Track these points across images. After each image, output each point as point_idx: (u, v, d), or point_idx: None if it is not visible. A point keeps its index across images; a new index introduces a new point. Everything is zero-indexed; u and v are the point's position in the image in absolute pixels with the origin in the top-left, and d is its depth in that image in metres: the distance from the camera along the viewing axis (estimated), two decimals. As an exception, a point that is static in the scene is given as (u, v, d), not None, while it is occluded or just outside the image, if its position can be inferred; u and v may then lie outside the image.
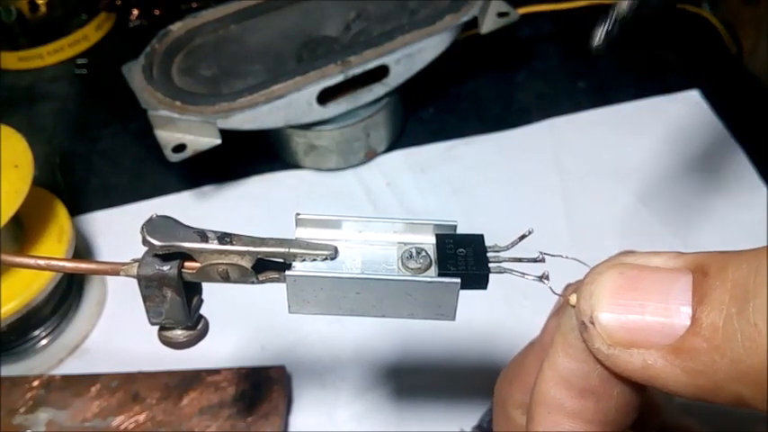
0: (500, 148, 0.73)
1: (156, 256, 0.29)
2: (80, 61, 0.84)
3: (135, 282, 0.30)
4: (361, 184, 0.70)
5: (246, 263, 0.29)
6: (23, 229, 0.57)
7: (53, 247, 0.57)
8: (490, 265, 0.29)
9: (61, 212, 0.59)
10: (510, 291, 0.56)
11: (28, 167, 0.53)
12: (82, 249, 0.65)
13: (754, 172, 0.68)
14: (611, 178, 0.67)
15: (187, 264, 0.29)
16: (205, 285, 0.31)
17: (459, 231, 0.30)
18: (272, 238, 0.29)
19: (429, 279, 0.28)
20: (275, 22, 0.73)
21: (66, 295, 0.60)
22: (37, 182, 0.54)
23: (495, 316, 0.57)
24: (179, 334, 0.31)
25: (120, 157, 0.75)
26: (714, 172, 0.68)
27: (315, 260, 0.29)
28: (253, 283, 0.30)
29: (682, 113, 0.73)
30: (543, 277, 0.28)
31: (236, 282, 0.29)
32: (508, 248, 0.30)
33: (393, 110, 0.71)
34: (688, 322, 0.22)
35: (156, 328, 0.31)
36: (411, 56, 0.67)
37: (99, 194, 0.72)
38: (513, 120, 0.75)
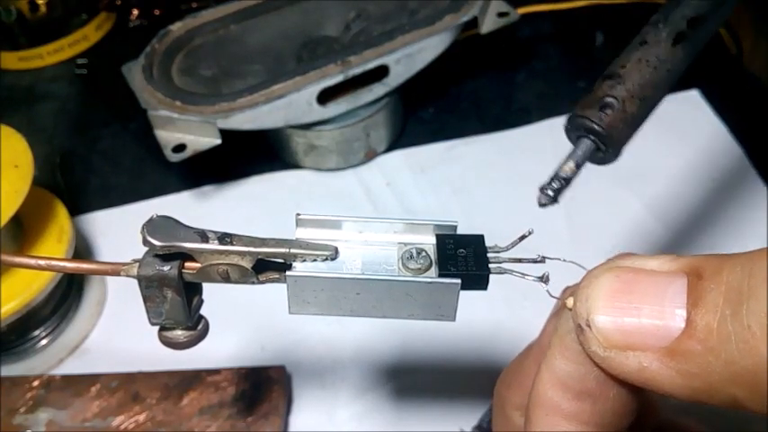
0: (500, 148, 0.73)
1: (157, 256, 0.29)
2: (80, 61, 0.84)
3: (135, 282, 0.30)
4: (361, 184, 0.70)
5: (247, 263, 0.29)
6: (23, 229, 0.57)
7: (53, 247, 0.57)
8: (490, 265, 0.29)
9: (61, 212, 0.59)
10: (510, 291, 0.56)
11: (28, 167, 0.53)
12: (82, 249, 0.65)
13: (755, 172, 0.68)
14: (610, 179, 0.67)
15: (187, 264, 0.29)
16: (205, 286, 0.31)
17: (459, 232, 0.30)
18: (272, 239, 0.29)
19: (429, 280, 0.28)
20: (275, 22, 0.73)
21: (66, 295, 0.60)
22: (37, 182, 0.54)
23: (495, 316, 0.57)
24: (179, 334, 0.31)
25: (120, 157, 0.75)
26: (714, 172, 0.68)
27: (315, 260, 0.29)
28: (253, 283, 0.30)
29: (682, 113, 0.72)
30: (543, 278, 0.28)
31: (236, 282, 0.30)
32: (508, 249, 0.30)
33: (393, 110, 0.71)
34: (683, 325, 0.22)
35: (157, 328, 0.31)
36: (411, 56, 0.67)
37: (99, 194, 0.72)
38: (513, 120, 0.75)
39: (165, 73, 0.68)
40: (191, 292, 0.30)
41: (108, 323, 0.62)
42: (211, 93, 0.66)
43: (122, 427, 0.51)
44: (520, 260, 0.29)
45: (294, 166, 0.72)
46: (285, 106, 0.64)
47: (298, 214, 0.30)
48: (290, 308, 0.29)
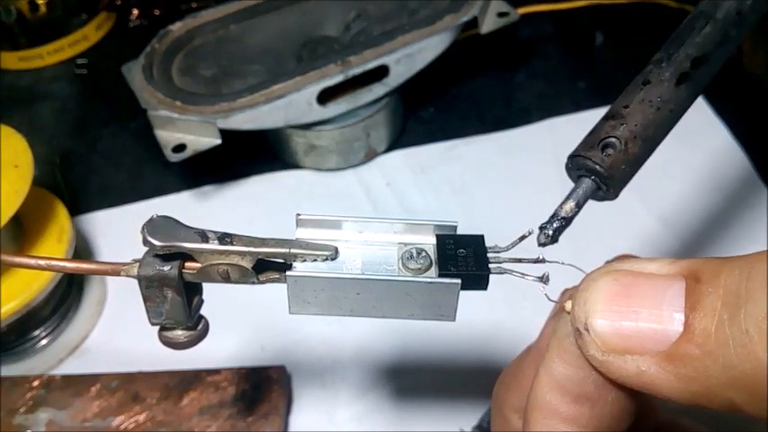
0: (500, 148, 0.73)
1: (157, 256, 0.29)
2: (80, 61, 0.84)
3: (135, 282, 0.30)
4: (361, 184, 0.70)
5: (247, 263, 0.29)
6: (23, 229, 0.57)
7: (53, 247, 0.57)
8: (490, 265, 0.29)
9: (61, 212, 0.59)
10: (510, 291, 0.56)
11: (28, 167, 0.53)
12: (82, 249, 0.65)
13: (755, 172, 0.68)
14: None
15: (188, 264, 0.29)
16: (205, 286, 0.31)
17: (459, 232, 0.30)
18: (272, 239, 0.29)
19: (429, 280, 0.28)
20: (275, 22, 0.73)
21: (66, 295, 0.60)
22: (37, 182, 0.54)
23: (494, 317, 0.57)
24: (179, 334, 0.31)
25: (120, 157, 0.75)
26: (714, 172, 0.68)
27: (315, 260, 0.29)
28: (253, 283, 0.30)
29: (681, 113, 0.72)
30: (543, 279, 0.28)
31: (236, 282, 0.30)
32: (508, 249, 0.30)
33: (393, 110, 0.71)
34: (681, 329, 0.22)
35: (157, 328, 0.31)
36: (411, 56, 0.67)
37: (99, 194, 0.72)
38: (513, 120, 0.75)
39: (165, 73, 0.68)
40: (191, 292, 0.30)
41: (108, 323, 0.62)
42: (211, 93, 0.66)
43: (122, 427, 0.51)
44: (520, 260, 0.29)
45: (294, 166, 0.72)
46: (285, 106, 0.64)
47: (298, 214, 0.30)
48: (290, 308, 0.30)
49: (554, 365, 0.26)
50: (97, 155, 0.76)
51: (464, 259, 0.29)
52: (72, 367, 0.58)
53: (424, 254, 0.29)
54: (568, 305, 0.25)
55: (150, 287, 0.29)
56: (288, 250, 0.29)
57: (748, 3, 0.31)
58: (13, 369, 0.58)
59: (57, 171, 0.72)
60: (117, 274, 0.30)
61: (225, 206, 0.70)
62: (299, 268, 0.29)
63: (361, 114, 0.69)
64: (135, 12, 0.88)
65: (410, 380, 0.57)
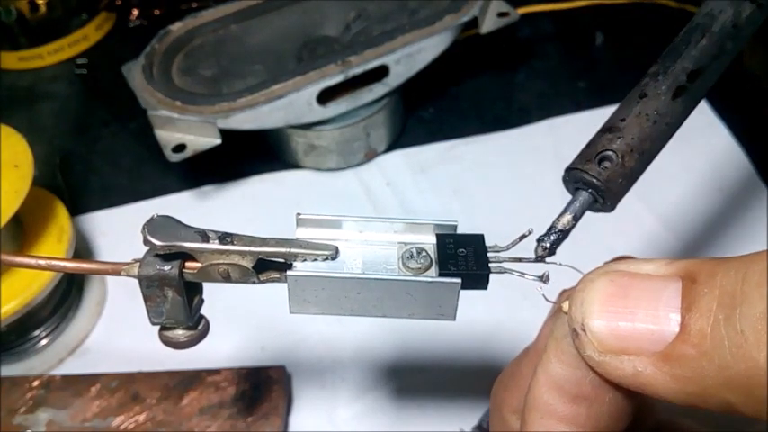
0: (500, 148, 0.73)
1: (157, 255, 0.29)
2: (80, 61, 0.84)
3: (135, 282, 0.30)
4: (361, 184, 0.70)
5: (247, 263, 0.29)
6: (23, 229, 0.57)
7: (53, 247, 0.57)
8: (490, 265, 0.29)
9: (61, 212, 0.59)
10: (510, 291, 0.56)
11: (28, 167, 0.53)
12: (82, 249, 0.65)
13: (754, 172, 0.68)
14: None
15: (188, 264, 0.29)
16: (205, 286, 0.31)
17: (459, 231, 0.30)
18: (272, 238, 0.29)
19: (430, 279, 0.29)
20: (275, 22, 0.73)
21: (67, 295, 0.60)
22: (37, 182, 0.54)
23: (495, 317, 0.57)
24: (180, 334, 0.31)
25: (120, 157, 0.75)
26: (714, 172, 0.68)
27: (316, 260, 0.29)
28: (254, 283, 0.30)
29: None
30: (543, 278, 0.28)
31: (237, 282, 0.30)
32: (508, 248, 0.30)
33: (393, 110, 0.71)
34: (677, 329, 0.22)
35: (157, 328, 0.31)
36: (411, 56, 0.67)
37: (99, 194, 0.72)
38: (513, 120, 0.75)
39: (165, 73, 0.68)
40: (191, 291, 0.30)
41: (108, 323, 0.62)
42: (211, 93, 0.66)
43: (122, 427, 0.51)
44: (520, 260, 0.29)
45: (294, 166, 0.72)
46: (285, 106, 0.64)
47: (298, 214, 0.30)
48: (290, 307, 0.30)
49: (551, 366, 0.26)
50: (97, 155, 0.76)
51: (464, 259, 0.29)
52: (72, 367, 0.58)
53: (424, 253, 0.29)
54: (566, 306, 0.25)
55: (151, 287, 0.29)
56: (288, 250, 0.29)
57: (744, 16, 0.31)
58: (13, 369, 0.58)
59: (57, 171, 0.72)
60: (117, 273, 0.30)
61: (225, 206, 0.70)
62: (300, 268, 0.29)
63: (361, 114, 0.69)
64: (135, 12, 0.88)
65: (410, 380, 0.57)
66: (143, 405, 0.52)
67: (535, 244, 0.29)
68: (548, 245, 0.28)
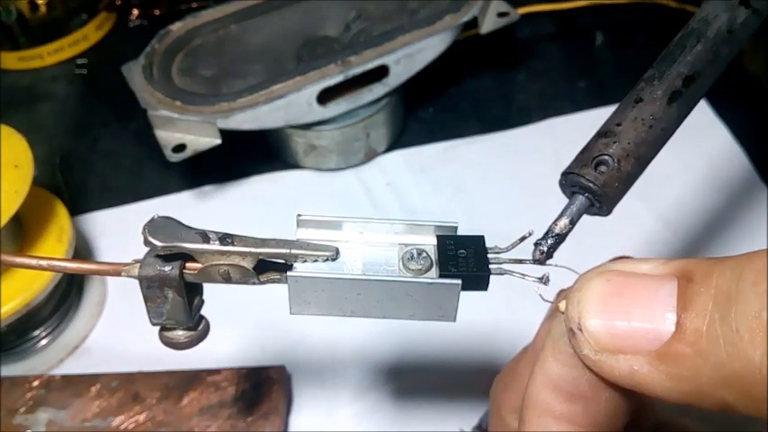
0: (500, 148, 0.73)
1: (158, 256, 0.29)
2: (80, 61, 0.84)
3: (135, 282, 0.30)
4: (362, 184, 0.70)
5: (248, 264, 0.29)
6: (23, 229, 0.57)
7: (53, 247, 0.57)
8: (491, 266, 0.29)
9: (61, 212, 0.59)
10: (510, 292, 0.56)
11: (28, 167, 0.53)
12: (82, 249, 0.65)
13: (754, 172, 0.68)
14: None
15: (188, 264, 0.29)
16: (206, 286, 0.31)
17: (459, 232, 0.30)
18: (273, 239, 0.29)
19: (430, 280, 0.29)
20: (275, 22, 0.73)
21: (67, 295, 0.60)
22: (37, 182, 0.54)
23: (495, 317, 0.57)
24: (180, 334, 0.31)
25: (120, 157, 0.75)
26: (714, 172, 0.68)
27: (316, 261, 0.29)
28: (254, 284, 0.30)
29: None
30: (543, 279, 0.29)
31: (237, 282, 0.30)
32: (508, 250, 0.30)
33: (393, 110, 0.71)
34: (673, 328, 0.22)
35: (157, 328, 0.31)
36: (411, 56, 0.67)
37: (99, 194, 0.71)
38: (513, 120, 0.75)
39: (165, 73, 0.67)
40: (191, 292, 0.30)
41: (108, 323, 0.62)
42: (211, 93, 0.66)
43: (122, 427, 0.51)
44: (520, 261, 0.29)
45: (294, 166, 0.72)
46: (285, 106, 0.64)
47: (298, 215, 0.30)
48: (291, 308, 0.30)
49: (549, 365, 0.26)
50: (97, 155, 0.76)
51: (465, 260, 0.29)
52: (72, 367, 0.58)
53: (424, 254, 0.29)
54: (563, 305, 0.25)
55: (151, 287, 0.29)
56: (289, 251, 0.29)
57: (739, 21, 0.32)
58: (13, 369, 0.58)
59: (57, 171, 0.72)
60: (118, 274, 0.30)
61: (225, 206, 0.70)
62: (300, 269, 0.29)
63: (361, 114, 0.69)
64: (135, 12, 0.88)
65: (410, 380, 0.57)
66: (143, 405, 0.52)
67: (532, 248, 0.29)
68: (545, 249, 0.29)
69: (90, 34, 0.86)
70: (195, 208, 0.70)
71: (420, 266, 0.29)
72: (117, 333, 0.61)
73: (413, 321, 0.30)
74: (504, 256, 0.30)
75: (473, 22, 0.69)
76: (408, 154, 0.73)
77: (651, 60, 0.32)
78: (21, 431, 0.52)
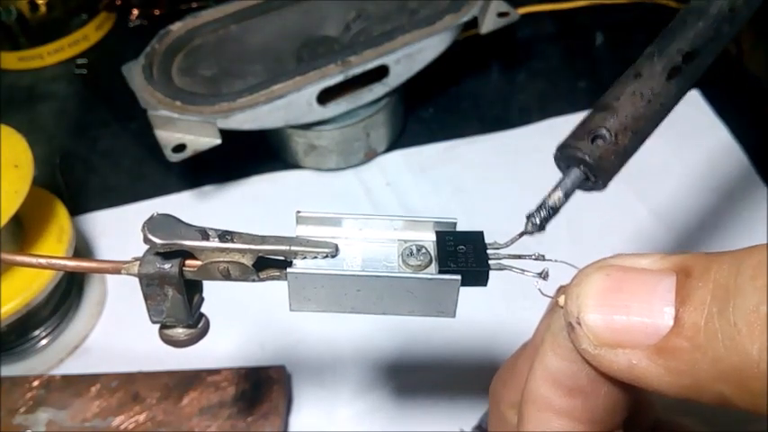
0: (500, 148, 0.73)
1: (158, 254, 0.29)
2: (80, 61, 0.84)
3: (135, 282, 0.30)
4: (361, 184, 0.71)
5: (247, 260, 0.29)
6: (23, 229, 0.57)
7: (53, 247, 0.57)
8: (490, 261, 0.29)
9: (61, 212, 0.59)
10: (510, 291, 0.56)
11: (28, 167, 0.53)
12: (82, 249, 0.65)
13: (754, 172, 0.68)
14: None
15: (188, 262, 0.29)
16: (205, 286, 0.31)
17: (458, 229, 0.30)
18: (272, 236, 0.29)
19: (430, 276, 0.29)
20: (275, 22, 0.73)
21: (67, 295, 0.60)
22: (37, 182, 0.54)
23: (494, 316, 0.57)
24: (180, 332, 0.31)
25: (120, 157, 0.75)
26: (714, 172, 0.68)
27: (315, 258, 0.29)
28: (254, 281, 0.30)
29: (682, 113, 0.72)
30: (542, 275, 0.28)
31: (237, 280, 0.29)
32: (508, 245, 0.30)
33: (393, 110, 0.71)
34: (671, 322, 0.22)
35: (156, 327, 0.31)
36: (411, 56, 0.67)
37: (99, 194, 0.72)
38: (513, 120, 0.75)
39: (165, 73, 0.68)
40: (191, 289, 0.30)
41: (108, 323, 0.62)
42: (211, 93, 0.66)
43: (122, 427, 0.51)
44: (520, 256, 0.29)
45: (294, 166, 0.72)
46: (285, 106, 0.64)
47: (298, 212, 0.30)
48: (290, 305, 0.29)
49: (548, 359, 0.26)
50: (97, 155, 0.76)
51: (464, 255, 0.29)
52: (72, 367, 0.58)
53: (424, 250, 0.29)
54: (562, 300, 0.25)
55: (151, 285, 0.29)
56: (288, 247, 0.29)
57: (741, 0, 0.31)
58: (13, 369, 0.58)
59: (57, 171, 0.72)
60: (117, 272, 0.30)
61: (225, 206, 0.70)
62: (300, 265, 0.29)
63: (361, 114, 0.69)
64: (135, 12, 0.88)
65: (410, 379, 0.57)
66: (143, 405, 0.52)
67: (525, 220, 0.29)
68: (537, 221, 0.28)
69: (90, 34, 0.86)
70: (195, 208, 0.70)
71: (419, 262, 0.29)
72: (117, 333, 0.61)
73: (413, 319, 0.30)
74: (503, 251, 0.29)
75: (473, 22, 0.69)
76: (408, 154, 0.73)
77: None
78: (21, 431, 0.52)
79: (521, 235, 0.29)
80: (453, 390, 0.55)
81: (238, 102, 0.63)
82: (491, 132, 0.74)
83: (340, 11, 0.73)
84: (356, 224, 0.30)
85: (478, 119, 0.76)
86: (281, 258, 0.29)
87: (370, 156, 0.72)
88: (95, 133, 0.78)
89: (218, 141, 0.63)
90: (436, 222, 0.30)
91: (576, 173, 0.29)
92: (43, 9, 0.81)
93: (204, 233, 0.29)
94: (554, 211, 0.28)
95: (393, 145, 0.73)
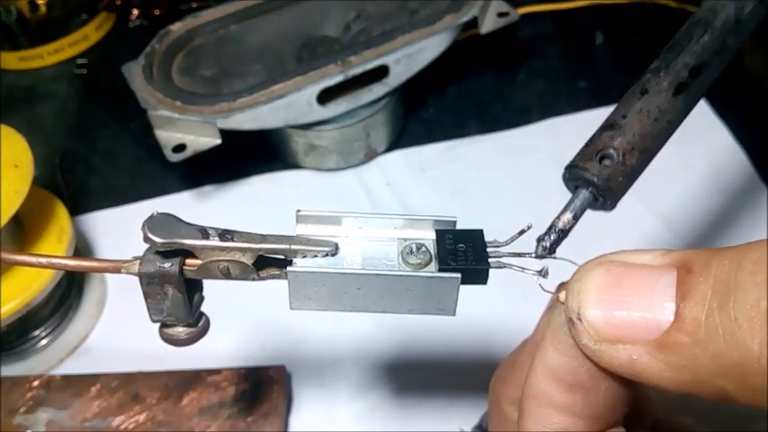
0: (500, 148, 0.73)
1: (158, 253, 0.29)
2: (80, 61, 0.85)
3: (135, 282, 0.30)
4: (362, 184, 0.71)
5: (247, 259, 0.29)
6: (23, 229, 0.57)
7: (53, 247, 0.57)
8: (490, 260, 0.29)
9: (61, 212, 0.59)
10: (510, 290, 0.56)
11: (28, 167, 0.53)
12: (82, 249, 0.65)
13: (754, 172, 0.68)
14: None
15: (188, 261, 0.29)
16: (205, 286, 0.31)
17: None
18: (272, 235, 0.29)
19: (429, 274, 0.29)
20: (275, 22, 0.73)
21: (67, 295, 0.60)
22: (37, 182, 0.54)
23: (495, 316, 0.57)
24: (180, 331, 0.31)
25: (120, 157, 0.75)
26: (715, 172, 0.68)
27: (316, 256, 0.29)
28: (254, 279, 0.30)
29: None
30: (542, 273, 0.28)
31: (237, 278, 0.30)
32: (507, 244, 0.30)
33: (393, 110, 0.71)
34: (672, 318, 0.22)
35: (156, 327, 0.31)
36: (411, 56, 0.67)
37: (99, 194, 0.71)
38: (513, 120, 0.75)
39: (165, 73, 0.68)
40: (191, 288, 0.30)
41: (108, 323, 0.62)
42: (211, 93, 0.66)
43: (122, 427, 0.51)
44: (519, 254, 0.29)
45: (294, 166, 0.72)
46: (285, 106, 0.64)
47: (298, 210, 0.30)
48: (291, 303, 0.29)
49: (548, 355, 0.26)
50: (97, 155, 0.76)
51: (464, 254, 0.29)
52: (72, 367, 0.58)
53: (423, 249, 0.29)
54: (562, 295, 0.25)
55: (151, 284, 0.29)
56: (288, 246, 0.29)
57: (746, 11, 0.31)
58: (13, 369, 0.58)
59: (57, 171, 0.72)
60: (117, 271, 0.30)
61: (225, 206, 0.70)
62: (300, 264, 0.29)
63: (361, 114, 0.69)
64: (135, 12, 0.88)
65: (410, 379, 0.57)
66: (143, 405, 0.52)
67: (535, 243, 0.29)
68: (548, 244, 0.28)
69: (90, 34, 0.86)
70: (195, 208, 0.70)
71: (419, 261, 0.29)
72: (117, 333, 0.61)
73: (413, 318, 0.30)
74: (503, 249, 0.29)
75: (473, 22, 0.69)
76: (408, 154, 0.73)
77: (651, 60, 0.32)
78: (21, 431, 0.52)
79: (520, 233, 0.29)
80: (453, 389, 0.55)
81: (238, 102, 0.63)
82: (491, 132, 0.74)
83: (340, 11, 0.73)
84: (356, 223, 0.30)
85: (478, 119, 0.76)
86: (282, 257, 0.29)
87: (370, 156, 0.72)
88: (95, 133, 0.78)
89: (218, 141, 0.63)
90: (436, 221, 0.30)
91: (584, 194, 0.29)
92: (43, 9, 0.81)
93: (204, 232, 0.29)
94: (564, 234, 0.28)
95: (393, 145, 0.73)
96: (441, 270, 0.29)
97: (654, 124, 0.29)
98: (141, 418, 0.52)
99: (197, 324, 0.31)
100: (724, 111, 0.73)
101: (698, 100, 0.31)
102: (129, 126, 0.77)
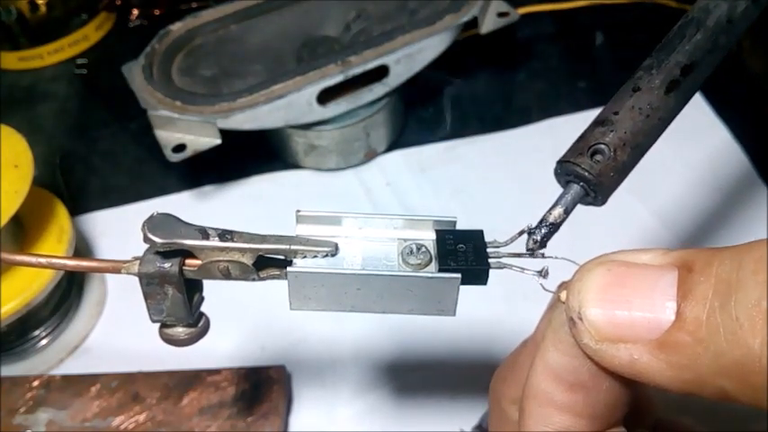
0: (500, 148, 0.73)
1: (158, 253, 0.29)
2: (80, 61, 0.84)
3: (135, 282, 0.30)
4: (362, 184, 0.70)
5: (247, 260, 0.29)
6: (23, 229, 0.57)
7: (53, 247, 0.57)
8: (490, 260, 0.29)
9: (61, 212, 0.59)
10: (511, 290, 0.56)
11: (28, 167, 0.53)
12: (82, 249, 0.65)
13: (754, 172, 0.68)
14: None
15: (188, 261, 0.29)
16: (205, 285, 0.31)
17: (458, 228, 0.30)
18: (272, 235, 0.29)
19: (430, 275, 0.29)
20: (275, 22, 0.73)
21: (67, 295, 0.60)
22: (37, 182, 0.54)
23: (495, 314, 0.57)
24: (180, 331, 0.31)
25: (120, 157, 0.75)
26: (714, 171, 0.68)
27: (316, 257, 0.29)
28: (254, 280, 0.30)
29: (681, 113, 0.72)
30: (542, 273, 0.28)
31: (236, 279, 0.30)
32: (507, 244, 0.30)
33: (393, 110, 0.71)
34: (673, 317, 0.22)
35: (156, 327, 0.31)
36: (411, 56, 0.67)
37: (99, 194, 0.71)
38: (513, 120, 0.75)
39: (165, 73, 0.68)
40: (191, 289, 0.30)
41: (108, 323, 0.62)
42: (211, 93, 0.66)
43: (122, 427, 0.51)
44: (519, 255, 0.29)
45: (294, 166, 0.72)
46: (285, 106, 0.64)
47: (298, 211, 0.30)
48: (291, 304, 0.29)
49: (549, 354, 0.26)
50: (97, 155, 0.76)
51: (464, 254, 0.29)
52: (72, 367, 0.58)
53: (423, 249, 0.29)
54: (563, 295, 0.25)
55: (151, 284, 0.29)
56: (288, 246, 0.29)
57: (739, 10, 0.31)
58: (13, 369, 0.58)
59: (57, 171, 0.72)
60: (117, 271, 0.30)
61: (225, 206, 0.70)
62: (300, 264, 0.29)
63: (361, 114, 0.69)
64: (135, 12, 0.88)
65: (410, 379, 0.57)
66: (143, 405, 0.52)
67: (526, 237, 0.29)
68: (538, 238, 0.28)
69: (90, 34, 0.86)
70: (195, 208, 0.70)
71: (419, 261, 0.29)
72: (117, 333, 0.61)
73: (413, 318, 0.30)
74: (503, 250, 0.30)
75: (473, 22, 0.69)
76: (408, 154, 0.73)
77: (651, 61, 0.32)
78: (21, 431, 0.52)
79: (520, 233, 0.29)
80: (453, 389, 0.55)
81: (238, 102, 0.63)
82: (491, 132, 0.74)
83: (340, 11, 0.73)
84: (356, 223, 0.30)
85: (478, 119, 0.76)
86: (282, 257, 0.29)
87: (370, 156, 0.72)
88: (95, 133, 0.78)
89: (218, 141, 0.63)
90: (436, 221, 0.30)
91: (576, 189, 0.29)
92: (43, 9, 0.81)
93: (204, 232, 0.29)
94: (555, 227, 0.29)
95: (393, 145, 0.73)
96: (441, 270, 0.29)
97: (645, 121, 0.29)
98: (141, 418, 0.52)
99: (197, 324, 0.31)
100: (723, 110, 0.73)
101: (690, 98, 0.31)
102: (129, 126, 0.77)
